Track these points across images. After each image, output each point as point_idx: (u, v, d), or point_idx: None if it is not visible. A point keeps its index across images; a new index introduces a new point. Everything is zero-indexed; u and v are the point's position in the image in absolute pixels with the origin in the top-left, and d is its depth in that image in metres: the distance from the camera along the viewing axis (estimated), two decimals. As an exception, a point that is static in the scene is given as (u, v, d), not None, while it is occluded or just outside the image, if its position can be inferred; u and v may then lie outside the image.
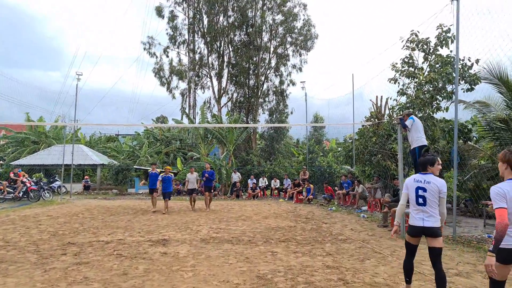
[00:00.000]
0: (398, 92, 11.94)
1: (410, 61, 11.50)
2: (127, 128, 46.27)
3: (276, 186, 21.51)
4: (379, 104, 13.90)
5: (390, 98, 12.99)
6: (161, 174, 13.14)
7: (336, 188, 17.79)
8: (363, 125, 14.36)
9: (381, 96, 13.81)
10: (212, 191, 14.75)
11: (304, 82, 20.18)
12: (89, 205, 16.11)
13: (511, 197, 2.97)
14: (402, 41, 11.42)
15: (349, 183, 16.32)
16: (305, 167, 19.14)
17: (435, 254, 3.95)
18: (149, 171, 13.70)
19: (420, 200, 4.08)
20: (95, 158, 24.48)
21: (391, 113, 12.64)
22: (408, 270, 4.32)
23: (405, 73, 11.48)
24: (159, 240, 8.07)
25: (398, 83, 11.78)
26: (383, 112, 13.66)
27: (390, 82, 12.19)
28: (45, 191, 17.74)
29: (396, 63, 11.72)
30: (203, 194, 16.91)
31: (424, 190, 4.07)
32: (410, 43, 11.32)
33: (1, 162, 21.67)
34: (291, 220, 11.41)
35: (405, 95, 11.48)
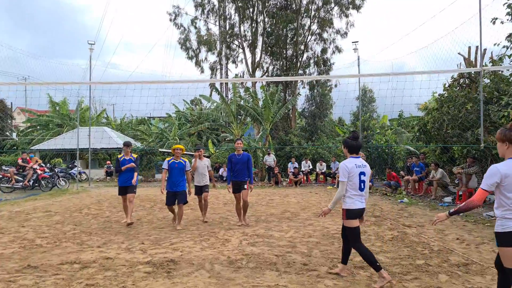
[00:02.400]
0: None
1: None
2: (158, 110, 44.37)
3: (322, 171, 18.21)
4: (472, 58, 10.07)
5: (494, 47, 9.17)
6: (168, 160, 7.49)
7: (402, 173, 14.20)
8: (448, 85, 10.59)
9: (476, 47, 9.95)
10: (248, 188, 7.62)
11: (356, 42, 16.29)
12: (104, 195, 13.79)
13: (508, 176, 2.77)
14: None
15: (421, 167, 12.69)
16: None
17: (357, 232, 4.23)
18: (118, 156, 8.15)
19: (362, 185, 4.17)
20: (120, 141, 22.36)
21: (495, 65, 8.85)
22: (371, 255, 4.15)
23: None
24: (164, 261, 5.21)
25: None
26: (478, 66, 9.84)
27: (492, 22, 8.45)
28: (60, 178, 15.70)
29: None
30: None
31: (364, 174, 4.17)
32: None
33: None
34: (356, 220, 8.19)
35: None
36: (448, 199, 10.99)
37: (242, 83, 26.99)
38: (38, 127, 26.33)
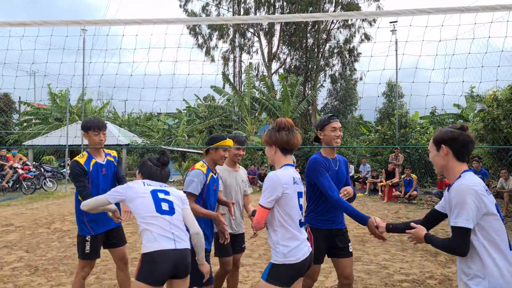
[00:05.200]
0: None
1: None
2: (168, 105, 42.50)
3: (350, 174, 15.61)
4: None
5: None
6: (201, 169, 3.11)
7: (454, 180, 11.49)
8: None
9: None
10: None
11: (395, 22, 13.64)
12: (92, 200, 11.55)
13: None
14: None
15: (484, 173, 9.99)
16: (398, 148, 13.06)
17: None
18: (76, 159, 3.33)
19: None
20: (122, 138, 20.21)
21: None
22: None
23: None
24: None
25: None
26: None
27: None
28: (47, 179, 13.57)
29: None
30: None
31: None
32: None
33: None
34: (418, 251, 5.65)
35: None
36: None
37: (257, 75, 24.60)
38: (37, 121, 24.53)
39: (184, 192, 2.82)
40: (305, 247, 2.27)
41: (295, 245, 2.20)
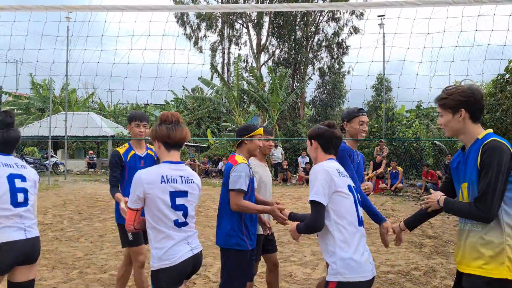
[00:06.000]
0: None
1: None
2: (155, 97, 41.91)
3: (338, 167, 15.72)
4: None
5: None
6: (242, 162, 2.83)
7: (438, 172, 11.71)
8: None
9: None
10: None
11: (383, 16, 13.67)
12: (76, 193, 11.36)
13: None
14: None
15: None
16: (382, 140, 13.20)
17: None
18: (117, 149, 3.45)
19: None
20: (107, 129, 19.86)
21: None
22: None
23: None
24: None
25: None
26: None
27: None
28: (29, 171, 13.23)
29: None
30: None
31: None
32: None
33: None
34: (404, 243, 5.73)
35: None
36: None
37: (246, 67, 24.41)
38: (19, 111, 23.89)
39: (231, 190, 2.62)
40: (185, 247, 2.09)
41: (170, 245, 2.04)
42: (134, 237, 3.14)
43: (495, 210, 1.75)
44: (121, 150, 3.28)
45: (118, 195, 2.99)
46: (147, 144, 3.46)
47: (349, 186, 2.11)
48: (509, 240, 1.75)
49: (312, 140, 2.25)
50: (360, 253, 2.01)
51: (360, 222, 2.11)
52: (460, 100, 1.91)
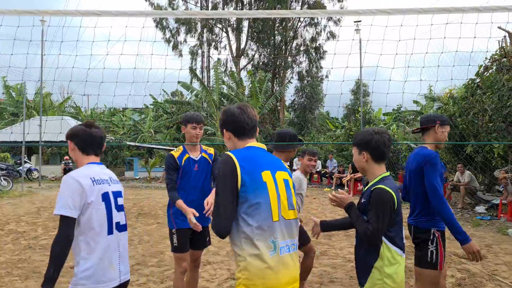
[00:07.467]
0: None
1: None
2: (135, 101, 41.28)
3: (318, 169, 15.95)
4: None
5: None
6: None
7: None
8: (485, 68, 8.39)
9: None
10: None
11: (359, 21, 14.00)
12: (51, 200, 11.03)
13: None
14: None
15: (442, 166, 10.50)
16: (359, 143, 13.45)
17: None
18: (171, 152, 3.29)
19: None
20: (84, 133, 19.35)
21: None
22: None
23: None
24: None
25: None
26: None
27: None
28: (1, 177, 12.79)
29: None
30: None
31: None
32: None
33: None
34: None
35: None
36: (481, 208, 8.87)
37: (225, 71, 24.40)
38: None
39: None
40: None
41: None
42: (179, 243, 3.12)
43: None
44: (176, 153, 3.20)
45: (181, 203, 2.95)
46: (202, 147, 3.36)
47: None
48: None
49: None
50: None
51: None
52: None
